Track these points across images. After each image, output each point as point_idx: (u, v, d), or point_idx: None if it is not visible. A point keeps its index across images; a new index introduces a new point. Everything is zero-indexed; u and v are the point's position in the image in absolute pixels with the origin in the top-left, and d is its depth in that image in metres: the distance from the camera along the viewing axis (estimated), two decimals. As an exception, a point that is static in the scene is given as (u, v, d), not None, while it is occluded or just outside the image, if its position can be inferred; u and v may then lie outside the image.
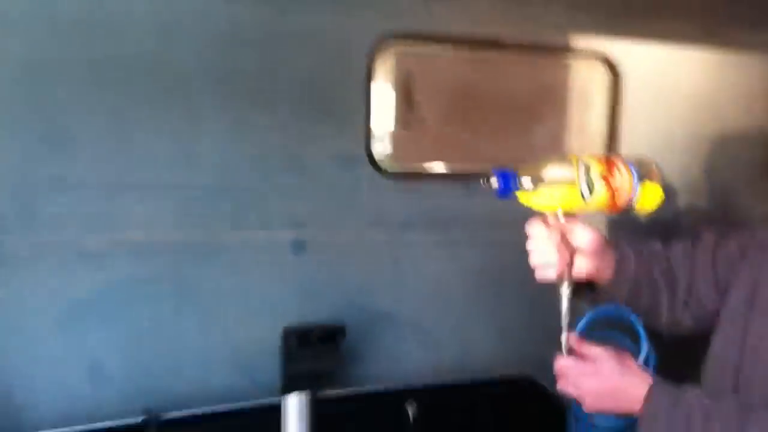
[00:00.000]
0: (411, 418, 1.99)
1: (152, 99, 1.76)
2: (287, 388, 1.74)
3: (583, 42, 2.18)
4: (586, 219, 1.35)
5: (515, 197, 1.28)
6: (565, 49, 2.20)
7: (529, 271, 1.36)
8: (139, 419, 1.75)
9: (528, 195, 1.28)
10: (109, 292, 1.78)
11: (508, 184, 1.26)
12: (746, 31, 2.29)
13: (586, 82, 2.29)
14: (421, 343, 2.14)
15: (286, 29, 1.85)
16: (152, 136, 1.78)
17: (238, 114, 1.84)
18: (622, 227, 2.13)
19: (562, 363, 1.35)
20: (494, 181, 1.26)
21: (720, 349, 1.38)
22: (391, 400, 2.02)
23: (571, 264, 1.35)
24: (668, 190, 1.44)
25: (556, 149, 2.27)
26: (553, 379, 1.37)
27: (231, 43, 1.81)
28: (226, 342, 1.89)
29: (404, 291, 2.10)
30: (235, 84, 1.83)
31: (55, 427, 1.73)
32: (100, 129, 1.73)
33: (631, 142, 2.22)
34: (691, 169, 2.31)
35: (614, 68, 2.23)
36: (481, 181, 1.27)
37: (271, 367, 1.80)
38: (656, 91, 2.26)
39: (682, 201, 2.29)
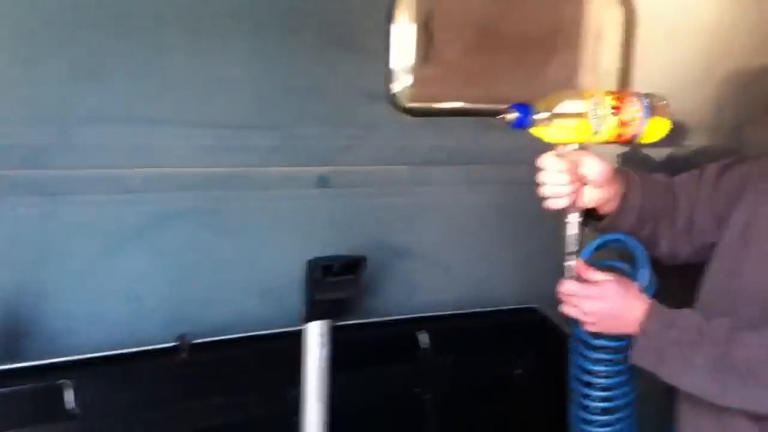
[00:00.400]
0: (422, 346, 2.08)
1: (182, 34, 1.78)
2: (311, 316, 1.81)
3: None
4: (597, 151, 1.41)
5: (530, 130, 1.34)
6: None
7: (544, 207, 1.42)
8: (173, 343, 1.82)
9: (542, 128, 1.34)
10: (145, 225, 1.83)
11: (524, 117, 1.32)
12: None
13: (600, 18, 2.28)
14: (438, 276, 2.21)
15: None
16: (184, 72, 1.80)
17: (267, 52, 1.86)
18: (634, 164, 2.17)
19: (567, 286, 1.42)
20: (511, 114, 1.33)
21: (711, 282, 1.45)
22: (404, 328, 2.11)
23: (579, 194, 1.41)
24: (681, 127, 1.47)
25: (570, 85, 2.27)
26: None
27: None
28: (257, 272, 1.96)
29: (423, 226, 2.15)
30: (261, 18, 1.83)
31: (93, 352, 1.78)
32: (134, 63, 1.74)
33: (643, 78, 2.21)
34: (704, 105, 2.29)
35: (628, 3, 2.21)
36: (499, 114, 1.33)
37: (297, 295, 1.86)
38: (670, 27, 2.24)
39: (696, 138, 2.28)
